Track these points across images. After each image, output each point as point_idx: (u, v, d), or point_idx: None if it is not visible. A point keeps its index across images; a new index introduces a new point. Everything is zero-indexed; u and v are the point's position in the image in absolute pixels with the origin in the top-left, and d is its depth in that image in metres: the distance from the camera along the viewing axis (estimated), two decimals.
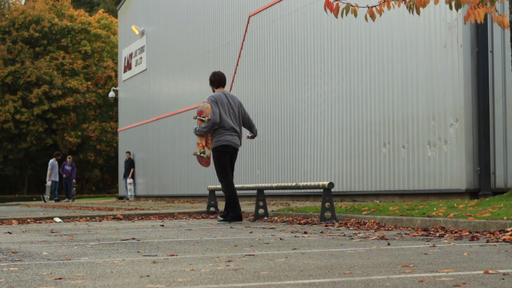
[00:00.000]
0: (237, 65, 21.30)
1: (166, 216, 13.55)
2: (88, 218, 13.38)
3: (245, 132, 12.12)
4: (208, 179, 22.82)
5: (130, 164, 29.37)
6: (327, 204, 10.13)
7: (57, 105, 47.37)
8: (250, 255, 5.66)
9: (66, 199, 31.04)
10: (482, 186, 12.78)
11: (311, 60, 17.59)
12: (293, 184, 11.68)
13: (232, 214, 10.85)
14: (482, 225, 7.73)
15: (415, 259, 5.06)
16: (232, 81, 21.55)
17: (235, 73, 21.40)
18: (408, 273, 4.27)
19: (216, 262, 5.13)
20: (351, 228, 9.01)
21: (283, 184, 14.03)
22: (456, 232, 7.61)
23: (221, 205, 16.05)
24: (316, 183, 10.76)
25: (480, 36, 12.88)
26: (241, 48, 21.05)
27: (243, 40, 20.97)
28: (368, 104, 15.48)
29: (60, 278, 4.42)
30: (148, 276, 4.43)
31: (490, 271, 4.28)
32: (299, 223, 10.26)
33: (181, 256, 5.70)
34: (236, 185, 14.83)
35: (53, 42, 49.26)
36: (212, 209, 14.06)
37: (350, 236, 7.50)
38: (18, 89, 47.73)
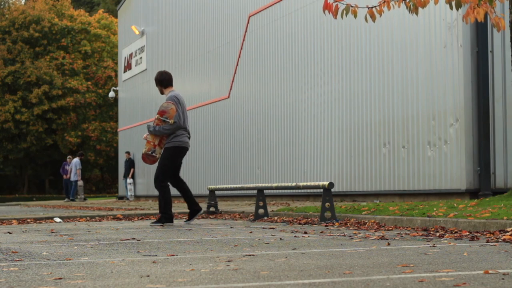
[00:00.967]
0: (237, 65, 21.30)
1: None
2: (88, 218, 13.38)
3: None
4: (208, 179, 22.83)
5: (130, 164, 29.37)
6: (327, 204, 10.13)
7: (57, 105, 47.36)
8: (250, 255, 5.66)
9: (66, 199, 31.05)
10: (482, 186, 12.78)
11: (311, 60, 17.59)
12: (293, 184, 11.68)
13: (166, 216, 10.56)
14: (482, 225, 7.73)
15: (415, 259, 5.06)
16: (232, 81, 21.55)
17: (235, 73, 21.40)
18: (408, 273, 4.27)
19: (216, 262, 5.13)
20: (351, 228, 9.01)
21: (283, 184, 14.03)
22: (456, 232, 7.61)
23: (221, 205, 16.05)
24: (316, 183, 10.76)
25: (480, 36, 12.88)
26: (241, 48, 21.05)
27: (243, 40, 20.96)
28: (368, 104, 15.48)
29: (60, 278, 4.42)
30: (148, 276, 4.43)
31: (490, 271, 4.28)
32: (299, 223, 10.26)
33: (181, 256, 5.70)
34: (236, 185, 14.85)
35: (53, 42, 49.26)
36: (212, 209, 14.06)
37: (350, 236, 7.50)
38: (18, 89, 47.73)
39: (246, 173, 20.55)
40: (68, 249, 6.62)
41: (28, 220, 12.94)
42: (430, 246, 6.11)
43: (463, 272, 4.31)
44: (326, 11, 8.12)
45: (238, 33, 21.35)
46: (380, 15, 8.28)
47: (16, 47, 48.24)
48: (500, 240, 6.52)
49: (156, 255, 5.82)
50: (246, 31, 20.85)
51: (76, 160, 30.38)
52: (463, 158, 12.92)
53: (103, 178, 56.22)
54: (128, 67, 31.19)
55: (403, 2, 8.26)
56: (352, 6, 8.23)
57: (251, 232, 8.55)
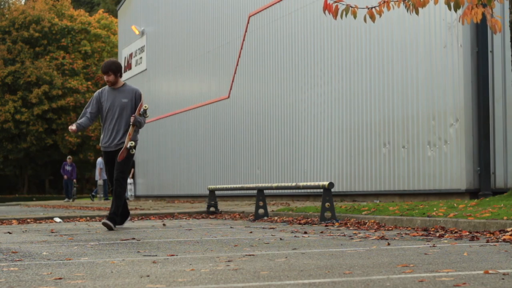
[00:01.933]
0: (237, 65, 21.30)
1: (166, 216, 13.55)
2: (88, 218, 13.38)
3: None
4: (208, 179, 22.82)
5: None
6: (327, 204, 10.13)
7: (57, 105, 47.36)
8: (250, 255, 5.66)
9: (66, 199, 31.04)
10: (482, 186, 12.78)
11: (311, 60, 17.59)
12: (293, 184, 11.68)
13: (122, 217, 9.77)
14: (482, 225, 7.73)
15: (415, 259, 5.06)
16: (232, 81, 21.55)
17: (235, 73, 21.40)
18: (408, 273, 4.27)
19: (216, 262, 5.13)
20: (351, 228, 9.01)
21: (283, 184, 14.02)
22: (456, 232, 7.61)
23: (221, 205, 16.05)
24: (316, 183, 10.76)
25: (480, 36, 12.89)
26: (241, 48, 21.05)
27: (243, 40, 20.97)
28: (368, 104, 15.48)
29: (60, 278, 4.42)
30: (148, 276, 4.43)
31: (490, 271, 4.28)
32: (299, 223, 10.26)
33: (181, 256, 5.70)
34: (236, 185, 14.86)
35: (53, 42, 49.27)
36: (212, 209, 14.06)
37: (350, 236, 7.50)
38: (18, 89, 47.73)
39: (246, 173, 20.55)
40: (68, 249, 6.62)
41: (28, 220, 12.94)
42: (430, 246, 6.11)
43: (463, 272, 4.32)
44: (326, 12, 8.13)
45: (238, 33, 21.35)
46: (380, 15, 8.28)
47: (16, 47, 48.26)
48: (500, 240, 6.52)
49: (156, 255, 5.82)
50: (246, 31, 20.85)
51: (99, 159, 30.30)
52: (463, 158, 12.93)
53: None
54: (128, 67, 31.20)
55: (403, 2, 8.26)
56: (351, 7, 8.23)
57: (251, 232, 8.55)
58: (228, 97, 21.78)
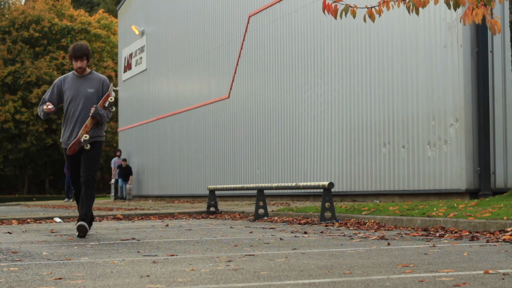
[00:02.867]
0: (237, 65, 21.30)
1: (166, 216, 13.55)
2: None
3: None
4: (208, 179, 22.82)
5: (128, 170, 28.96)
6: (327, 204, 10.13)
7: None
8: (250, 255, 5.66)
9: (66, 199, 31.04)
10: (482, 186, 12.78)
11: (311, 60, 17.59)
12: (293, 184, 11.68)
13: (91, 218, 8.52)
14: (482, 225, 7.73)
15: (415, 259, 5.06)
16: (232, 81, 21.55)
17: (235, 73, 21.40)
18: (408, 273, 4.27)
19: (216, 262, 5.13)
20: (351, 228, 9.01)
21: (283, 184, 14.02)
22: (456, 232, 7.61)
23: (221, 205, 16.04)
24: (316, 183, 10.76)
25: (480, 36, 12.89)
26: (241, 48, 21.04)
27: (243, 40, 20.96)
28: (368, 104, 15.48)
29: (60, 278, 4.42)
30: (148, 276, 4.43)
31: (490, 271, 4.28)
32: (299, 223, 10.26)
33: (181, 256, 5.70)
34: (236, 185, 14.85)
35: (53, 42, 49.27)
36: (212, 209, 14.06)
37: (350, 236, 7.50)
38: (18, 89, 47.73)
39: (246, 173, 20.55)
40: (68, 249, 6.61)
41: (28, 220, 12.94)
42: (430, 246, 6.11)
43: (463, 272, 4.31)
44: (326, 11, 8.13)
45: (238, 33, 21.35)
46: (379, 15, 8.28)
47: (16, 47, 48.25)
48: (500, 240, 6.52)
49: (156, 255, 5.82)
50: (246, 31, 20.85)
51: (114, 159, 30.38)
52: (463, 158, 12.92)
53: (103, 178, 56.21)
54: (128, 67, 31.20)
55: (403, 2, 8.26)
56: (351, 7, 8.23)
57: (251, 232, 8.55)
58: (228, 97, 21.77)
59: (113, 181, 29.51)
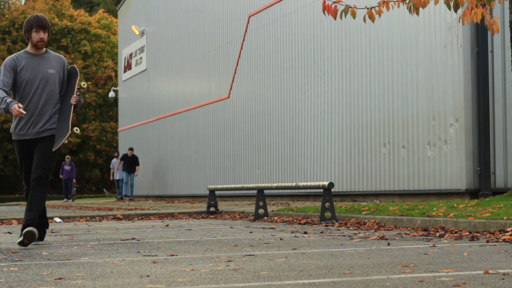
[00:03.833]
0: (237, 65, 21.30)
1: (166, 216, 13.55)
2: (88, 218, 13.38)
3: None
4: (208, 179, 22.82)
5: (135, 160, 27.85)
6: (327, 204, 10.13)
7: None
8: (250, 255, 5.66)
9: (65, 199, 31.04)
10: (482, 186, 12.78)
11: (311, 60, 17.59)
12: (293, 184, 11.68)
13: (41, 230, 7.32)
14: (482, 225, 7.73)
15: (415, 259, 5.06)
16: (232, 81, 21.55)
17: (235, 73, 21.40)
18: (408, 273, 4.27)
19: (216, 262, 5.13)
20: (351, 228, 9.01)
21: (283, 184, 14.02)
22: (456, 232, 7.61)
23: (221, 205, 16.04)
24: (316, 183, 10.75)
25: (480, 36, 12.88)
26: (241, 48, 21.04)
27: (243, 40, 20.96)
28: (368, 104, 15.48)
29: (60, 278, 4.42)
30: (148, 276, 4.43)
31: (490, 271, 4.28)
32: (299, 223, 10.26)
33: (181, 256, 5.70)
34: (236, 185, 14.85)
35: (53, 42, 49.26)
36: (212, 209, 14.06)
37: (350, 236, 7.50)
38: None
39: (246, 173, 20.55)
40: (68, 249, 6.61)
41: None
42: (430, 246, 6.11)
43: (463, 272, 4.31)
44: (326, 12, 8.13)
45: (238, 33, 21.35)
46: (379, 15, 8.29)
47: (16, 47, 48.25)
48: (500, 240, 6.52)
49: (156, 255, 5.82)
50: (246, 31, 20.85)
51: (114, 159, 29.64)
52: (463, 158, 12.92)
53: (103, 178, 56.23)
54: (128, 67, 31.20)
55: (403, 2, 8.27)
56: (351, 7, 8.23)
57: (251, 232, 8.55)
58: (228, 97, 21.77)
59: (117, 176, 28.49)
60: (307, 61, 17.80)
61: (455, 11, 7.85)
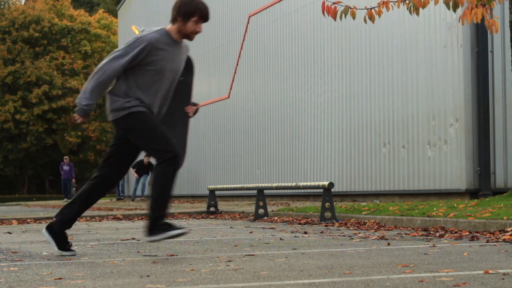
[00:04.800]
0: (237, 65, 21.30)
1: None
2: (88, 218, 13.38)
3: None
4: (208, 179, 22.82)
5: (150, 168, 27.35)
6: (327, 204, 10.13)
7: (57, 105, 47.35)
8: (250, 255, 5.66)
9: (65, 199, 31.03)
10: (482, 186, 12.78)
11: (311, 60, 17.59)
12: (293, 184, 11.68)
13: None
14: (482, 225, 7.73)
15: (415, 259, 5.06)
16: (232, 81, 21.55)
17: (235, 73, 21.40)
18: (408, 273, 4.27)
19: (216, 262, 5.13)
20: (351, 228, 9.01)
21: (283, 184, 14.02)
22: (456, 232, 7.61)
23: (221, 205, 16.04)
24: (316, 183, 10.75)
25: (480, 36, 12.88)
26: (241, 48, 21.04)
27: (243, 40, 20.96)
28: (368, 104, 15.47)
29: (60, 278, 4.42)
30: (148, 276, 4.42)
31: (490, 271, 4.27)
32: (299, 223, 10.26)
33: (181, 256, 5.70)
34: (236, 185, 14.85)
35: (53, 42, 49.27)
36: (212, 209, 14.06)
37: (350, 236, 7.50)
38: (18, 89, 47.73)
39: (246, 173, 20.54)
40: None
41: (28, 220, 12.94)
42: (430, 246, 6.11)
43: (463, 272, 4.31)
44: (326, 13, 8.14)
45: (238, 33, 21.35)
46: (379, 16, 8.29)
47: (16, 47, 48.26)
48: (500, 240, 6.52)
49: (156, 255, 5.82)
50: (246, 31, 20.85)
51: None
52: (463, 158, 12.92)
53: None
54: None
55: (403, 3, 8.27)
56: (350, 8, 8.24)
57: (251, 232, 8.55)
58: (228, 97, 21.77)
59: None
60: (307, 61, 17.80)
61: (454, 11, 7.86)
